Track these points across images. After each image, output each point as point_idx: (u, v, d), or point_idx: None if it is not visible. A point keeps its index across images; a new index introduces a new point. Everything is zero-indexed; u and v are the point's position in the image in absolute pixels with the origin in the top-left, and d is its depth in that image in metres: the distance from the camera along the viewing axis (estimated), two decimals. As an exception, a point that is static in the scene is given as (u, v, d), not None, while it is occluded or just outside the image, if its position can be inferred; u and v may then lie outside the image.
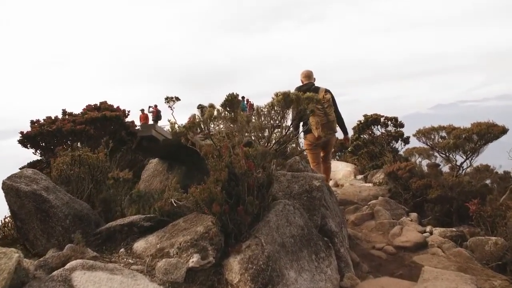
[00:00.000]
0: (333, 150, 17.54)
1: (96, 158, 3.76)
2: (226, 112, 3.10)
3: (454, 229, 5.56)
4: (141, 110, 27.01)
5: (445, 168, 9.91)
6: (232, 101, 3.07)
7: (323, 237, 3.36)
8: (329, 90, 5.94)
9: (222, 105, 3.10)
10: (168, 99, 25.05)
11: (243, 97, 25.60)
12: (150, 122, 26.57)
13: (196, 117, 3.88)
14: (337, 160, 14.45)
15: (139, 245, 3.01)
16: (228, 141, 3.09)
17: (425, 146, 10.78)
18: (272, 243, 2.74)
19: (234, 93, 3.07)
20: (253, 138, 4.32)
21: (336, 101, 6.13)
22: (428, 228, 5.71)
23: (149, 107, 26.60)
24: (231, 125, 3.29)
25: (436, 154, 10.58)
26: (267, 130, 4.26)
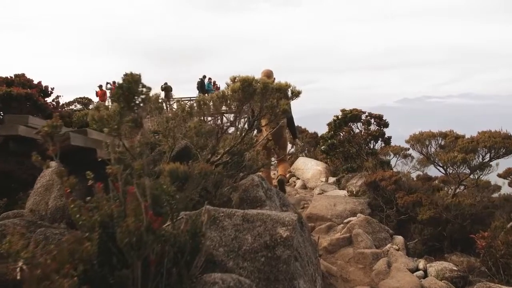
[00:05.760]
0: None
1: None
2: (119, 111, 1.57)
3: (455, 267, 4.34)
4: (99, 86, 24.81)
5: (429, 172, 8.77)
6: (131, 90, 1.55)
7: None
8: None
9: (113, 97, 1.58)
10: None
11: (209, 79, 23.71)
12: (108, 100, 24.40)
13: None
14: (306, 156, 13.13)
15: None
16: (118, 166, 1.58)
17: (403, 146, 9.63)
18: None
19: (137, 74, 1.55)
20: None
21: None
22: (421, 264, 4.48)
23: (107, 83, 24.41)
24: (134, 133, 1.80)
25: (412, 154, 9.43)
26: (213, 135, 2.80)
